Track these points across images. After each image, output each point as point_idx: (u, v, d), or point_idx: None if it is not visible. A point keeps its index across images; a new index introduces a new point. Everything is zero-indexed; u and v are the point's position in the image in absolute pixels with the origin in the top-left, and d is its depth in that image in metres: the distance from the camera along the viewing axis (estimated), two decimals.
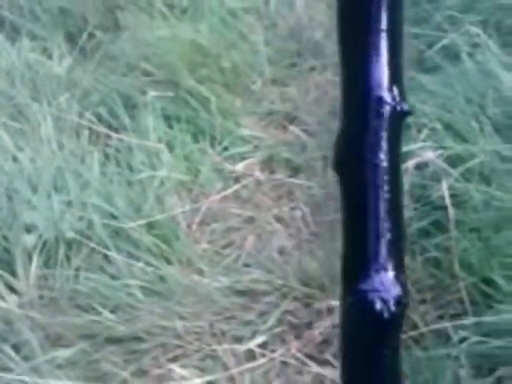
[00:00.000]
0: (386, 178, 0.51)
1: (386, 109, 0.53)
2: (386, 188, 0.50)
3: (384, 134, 0.52)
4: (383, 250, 0.51)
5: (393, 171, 0.52)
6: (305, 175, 1.91)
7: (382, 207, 0.51)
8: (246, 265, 1.65)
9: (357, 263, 0.51)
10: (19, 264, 1.64)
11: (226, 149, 1.99)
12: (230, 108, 2.07)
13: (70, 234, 1.62)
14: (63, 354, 1.42)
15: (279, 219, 1.80)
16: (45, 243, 1.66)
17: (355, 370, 0.51)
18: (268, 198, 1.86)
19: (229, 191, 1.85)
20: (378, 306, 0.50)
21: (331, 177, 1.78)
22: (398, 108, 0.54)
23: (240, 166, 1.95)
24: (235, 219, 1.80)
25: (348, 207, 0.52)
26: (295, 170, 1.94)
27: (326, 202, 1.78)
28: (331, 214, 1.71)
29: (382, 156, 0.52)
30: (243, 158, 1.98)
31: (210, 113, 2.02)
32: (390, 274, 0.51)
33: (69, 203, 1.71)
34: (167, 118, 2.04)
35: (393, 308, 0.50)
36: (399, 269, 0.51)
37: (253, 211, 1.82)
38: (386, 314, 0.50)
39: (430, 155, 1.50)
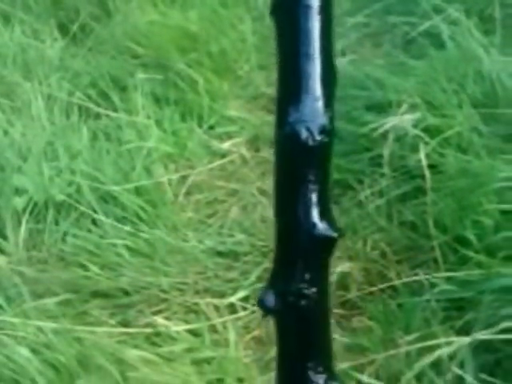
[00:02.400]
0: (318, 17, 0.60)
1: None
2: (317, 26, 0.59)
3: None
4: (313, 84, 0.60)
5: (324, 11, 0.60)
6: None
7: (314, 46, 0.60)
8: (230, 231, 1.76)
9: (288, 98, 0.61)
10: (9, 226, 1.75)
11: (213, 128, 2.11)
12: (218, 91, 2.20)
13: (60, 197, 1.72)
14: (51, 301, 1.52)
15: (263, 192, 1.91)
16: (34, 206, 1.77)
17: (284, 200, 0.62)
18: (253, 173, 1.98)
19: (215, 165, 1.97)
20: (304, 135, 0.60)
21: None
22: None
23: (226, 144, 2.07)
24: (220, 191, 1.92)
25: (281, 49, 0.61)
26: None
27: None
28: None
29: None
30: (230, 137, 2.10)
31: (198, 94, 2.15)
32: (318, 104, 0.60)
33: (58, 170, 1.82)
34: (156, 100, 2.17)
35: (317, 137, 0.60)
36: (327, 102, 0.60)
37: (237, 184, 1.93)
38: (310, 143, 0.60)
39: (408, 124, 1.62)
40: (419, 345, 1.28)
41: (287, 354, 0.64)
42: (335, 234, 0.60)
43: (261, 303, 0.63)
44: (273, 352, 1.51)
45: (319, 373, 0.62)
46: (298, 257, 0.61)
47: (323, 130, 0.60)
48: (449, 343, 1.33)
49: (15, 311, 1.50)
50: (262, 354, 1.52)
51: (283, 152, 0.61)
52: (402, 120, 1.65)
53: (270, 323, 1.63)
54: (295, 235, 0.60)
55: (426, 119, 1.72)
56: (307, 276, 0.61)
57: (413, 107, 1.81)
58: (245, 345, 1.53)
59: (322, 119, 0.60)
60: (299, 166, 0.60)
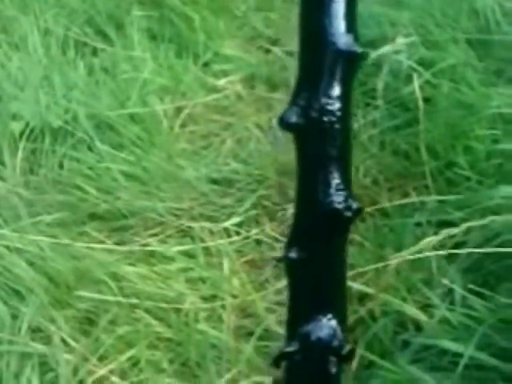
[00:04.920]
0: None
1: None
2: None
3: None
4: None
5: None
6: (284, 92, 2.07)
7: None
8: (225, 160, 1.80)
9: None
10: (6, 152, 1.78)
11: (208, 65, 2.14)
12: (214, 29, 2.23)
13: (56, 123, 1.76)
14: (48, 218, 1.56)
15: (258, 126, 1.95)
16: (31, 132, 1.80)
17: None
18: (248, 108, 2.01)
19: (210, 99, 2.00)
20: None
21: None
22: None
23: (222, 82, 2.10)
24: (215, 124, 1.95)
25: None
26: (275, 87, 2.09)
27: None
28: None
29: None
30: (225, 75, 2.13)
31: (194, 32, 2.18)
32: None
33: (55, 99, 1.86)
34: (152, 37, 2.20)
35: None
36: None
37: (232, 118, 1.97)
38: None
39: (402, 48, 1.66)
40: (410, 257, 1.32)
41: (306, 171, 0.67)
42: (360, 50, 0.63)
43: (282, 120, 0.65)
44: (267, 274, 1.56)
45: (339, 190, 0.65)
46: (323, 72, 0.64)
47: None
48: (440, 260, 1.38)
49: (13, 227, 1.53)
50: (256, 275, 1.56)
51: None
52: (396, 45, 1.68)
53: (264, 247, 1.67)
54: (319, 48, 0.63)
55: (419, 51, 1.76)
56: (331, 92, 0.64)
57: (407, 36, 1.84)
58: (238, 267, 1.58)
59: None
60: None
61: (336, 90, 0.65)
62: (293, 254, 0.69)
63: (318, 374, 0.69)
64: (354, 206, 0.67)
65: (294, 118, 0.65)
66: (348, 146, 0.67)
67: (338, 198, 0.67)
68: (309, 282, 0.69)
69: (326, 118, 0.65)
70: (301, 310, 0.70)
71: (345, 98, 0.65)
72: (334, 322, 0.68)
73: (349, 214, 0.67)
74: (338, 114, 0.65)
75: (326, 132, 0.65)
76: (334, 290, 0.70)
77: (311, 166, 0.68)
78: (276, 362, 0.71)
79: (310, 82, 0.66)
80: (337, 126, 0.65)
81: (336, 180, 0.67)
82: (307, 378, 0.70)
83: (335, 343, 0.68)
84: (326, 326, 0.68)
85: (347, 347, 0.69)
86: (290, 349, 0.69)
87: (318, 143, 0.66)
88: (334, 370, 0.69)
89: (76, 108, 1.81)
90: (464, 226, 1.28)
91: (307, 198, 0.68)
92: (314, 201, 0.67)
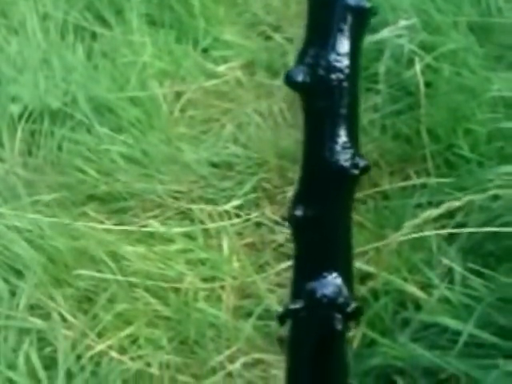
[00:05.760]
0: None
1: None
2: None
3: None
4: None
5: None
6: None
7: None
8: (225, 143, 1.81)
9: None
10: (5, 133, 1.79)
11: (208, 51, 2.15)
12: (214, 16, 2.23)
13: (55, 105, 1.77)
14: (48, 197, 1.57)
15: (258, 112, 1.95)
16: (30, 115, 1.81)
17: None
18: (248, 94, 2.02)
19: (210, 84, 2.01)
20: None
21: None
22: None
23: (222, 68, 2.11)
24: (215, 110, 1.96)
25: None
26: (275, 74, 2.10)
27: None
28: None
29: None
30: (225, 61, 2.14)
31: (194, 17, 2.19)
32: None
33: (54, 81, 1.86)
34: (152, 22, 2.20)
35: None
36: None
37: (232, 104, 1.98)
38: None
39: (403, 31, 1.67)
40: (410, 236, 1.33)
41: (313, 130, 0.67)
42: (368, 5, 0.64)
43: (288, 78, 0.65)
44: (267, 256, 1.57)
45: (346, 148, 0.66)
46: (331, 28, 0.64)
47: None
48: (440, 241, 1.39)
49: (11, 206, 1.54)
50: (256, 258, 1.56)
51: None
52: (397, 29, 1.69)
53: (264, 230, 1.68)
54: (327, 4, 0.63)
55: (421, 35, 1.77)
56: (339, 49, 0.64)
57: (408, 19, 1.85)
58: (238, 250, 1.58)
59: None
60: None
61: (344, 47, 0.65)
62: (299, 212, 0.69)
63: (323, 331, 0.70)
64: (361, 163, 0.68)
65: (300, 77, 0.66)
66: (356, 104, 0.67)
67: (344, 156, 0.67)
68: (315, 240, 0.70)
69: (333, 76, 0.65)
70: (306, 267, 0.71)
71: (353, 54, 0.65)
72: (339, 280, 0.69)
73: (355, 171, 0.67)
74: (347, 71, 0.65)
75: (333, 90, 0.66)
76: (339, 248, 0.71)
77: (318, 124, 0.68)
78: (281, 320, 0.71)
79: (317, 39, 0.66)
80: (345, 83, 0.65)
81: (343, 138, 0.67)
82: (312, 334, 0.71)
83: (340, 300, 0.69)
84: (332, 283, 0.69)
85: (353, 305, 0.70)
86: (295, 306, 0.70)
87: (326, 101, 0.66)
88: (339, 327, 0.69)
89: (75, 90, 1.82)
90: (466, 199, 1.28)
91: (314, 156, 0.69)
92: (321, 159, 0.68)
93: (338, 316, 0.69)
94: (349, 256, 0.71)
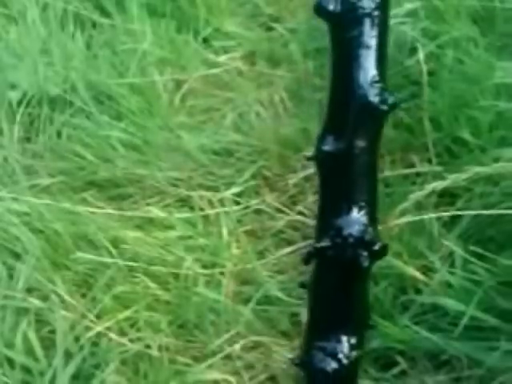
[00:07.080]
0: None
1: None
2: None
3: None
4: None
5: None
6: (286, 68, 2.09)
7: None
8: (226, 131, 1.82)
9: None
10: (3, 120, 1.80)
11: (208, 42, 2.16)
12: (215, 6, 2.25)
13: (54, 92, 1.78)
14: (47, 181, 1.58)
15: (259, 101, 1.97)
16: (29, 102, 1.82)
17: None
18: (249, 84, 2.03)
19: (210, 73, 2.02)
20: None
21: (310, 69, 1.97)
22: None
23: (222, 58, 2.13)
24: (215, 99, 1.97)
25: None
26: (276, 64, 2.11)
27: (305, 89, 1.96)
28: (309, 99, 1.89)
29: None
30: (226, 52, 2.15)
31: (195, 7, 2.20)
32: None
33: (53, 69, 1.88)
34: (152, 12, 2.21)
35: None
36: None
37: (233, 93, 1.99)
38: None
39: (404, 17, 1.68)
40: (410, 219, 1.34)
41: (341, 62, 0.66)
42: None
43: (319, 6, 0.64)
44: (267, 243, 1.58)
45: (376, 82, 0.65)
46: None
47: None
48: (441, 227, 1.40)
49: (9, 189, 1.55)
50: (256, 245, 1.57)
51: None
52: (400, 12, 1.71)
53: (264, 217, 1.68)
54: None
55: (423, 23, 1.78)
56: None
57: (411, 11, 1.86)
58: (238, 236, 1.59)
59: None
60: None
61: None
62: (326, 147, 0.69)
63: (349, 268, 0.70)
64: (390, 99, 0.67)
65: (331, 5, 0.65)
66: (385, 35, 0.67)
67: (373, 91, 0.67)
68: (341, 176, 0.70)
69: (364, 4, 0.65)
70: (333, 204, 0.71)
71: None
72: (365, 218, 0.69)
73: (384, 107, 0.67)
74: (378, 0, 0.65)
75: (364, 19, 0.65)
76: (366, 186, 0.70)
77: (346, 56, 0.68)
78: (307, 259, 0.72)
79: None
80: (376, 13, 0.65)
81: (372, 72, 0.67)
82: (338, 272, 0.71)
83: (367, 237, 0.69)
84: (358, 221, 0.69)
85: (379, 243, 0.70)
86: (321, 244, 0.70)
87: (355, 32, 0.66)
88: (365, 263, 0.70)
89: (75, 78, 1.83)
90: (472, 171, 1.29)
91: (341, 90, 0.68)
92: (349, 93, 0.68)
93: (365, 254, 0.69)
94: (374, 195, 0.71)
